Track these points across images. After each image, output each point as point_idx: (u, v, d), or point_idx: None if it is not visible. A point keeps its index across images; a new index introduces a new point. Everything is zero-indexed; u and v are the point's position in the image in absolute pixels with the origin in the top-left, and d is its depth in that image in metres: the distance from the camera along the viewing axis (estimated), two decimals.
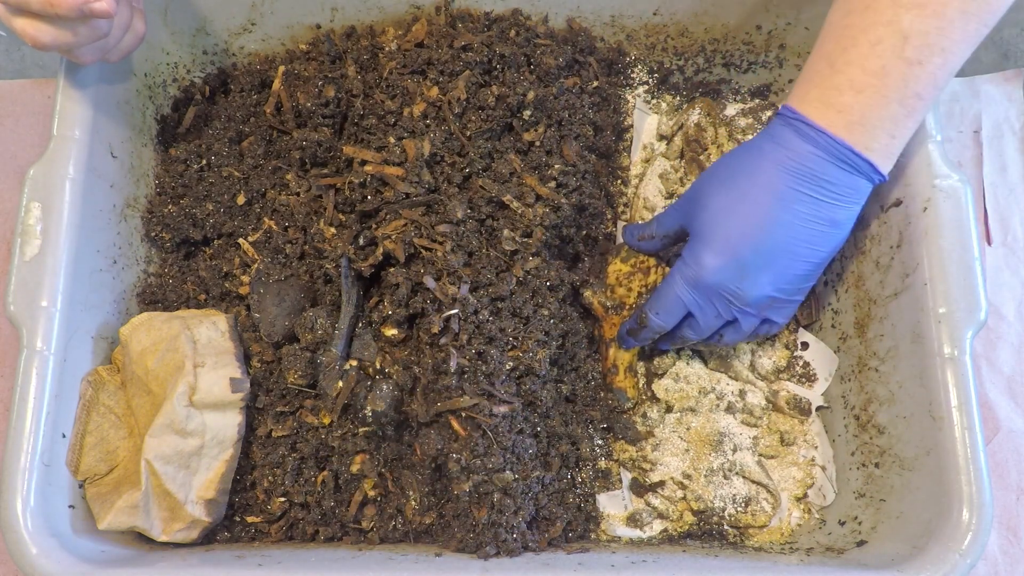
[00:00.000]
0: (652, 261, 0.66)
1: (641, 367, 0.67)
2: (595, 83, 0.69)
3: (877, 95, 0.53)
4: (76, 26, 0.48)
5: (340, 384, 0.58)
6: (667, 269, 0.67)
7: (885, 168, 0.55)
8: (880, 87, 0.52)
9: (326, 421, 0.60)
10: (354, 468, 0.60)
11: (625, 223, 0.70)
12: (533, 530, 0.58)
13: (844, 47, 0.53)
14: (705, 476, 0.64)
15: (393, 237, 0.59)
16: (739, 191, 0.56)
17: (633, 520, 0.64)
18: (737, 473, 0.65)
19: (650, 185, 0.71)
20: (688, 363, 0.67)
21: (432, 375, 0.57)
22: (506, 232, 0.59)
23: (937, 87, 0.53)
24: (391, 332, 0.60)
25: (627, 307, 0.65)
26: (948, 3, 0.51)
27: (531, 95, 0.61)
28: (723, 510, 0.64)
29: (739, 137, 0.73)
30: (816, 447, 0.66)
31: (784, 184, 0.55)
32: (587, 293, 0.65)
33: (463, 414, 0.56)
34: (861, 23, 0.53)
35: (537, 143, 0.62)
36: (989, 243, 0.74)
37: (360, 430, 0.59)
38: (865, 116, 0.53)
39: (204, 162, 0.68)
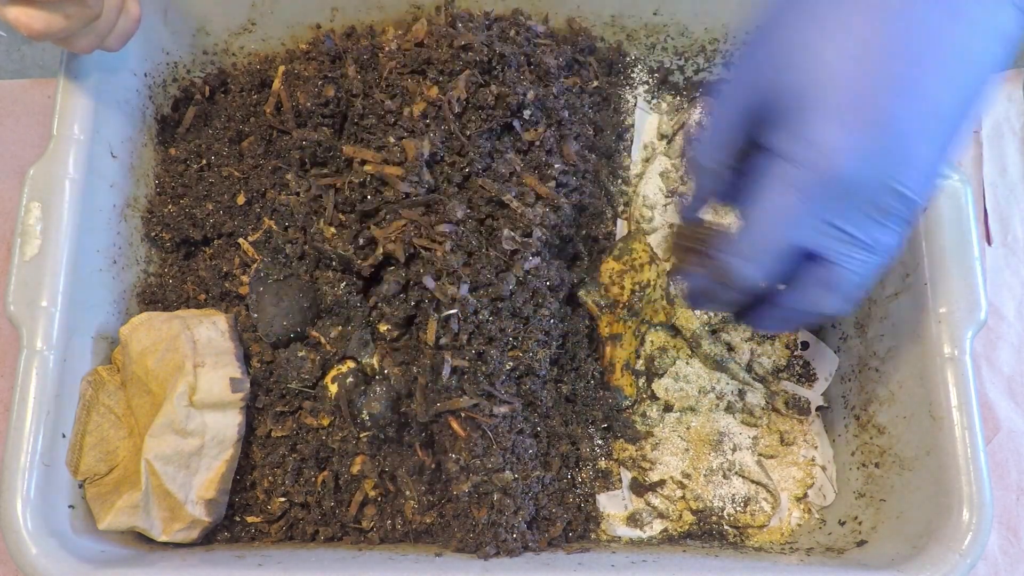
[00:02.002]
0: (645, 257, 0.66)
1: (641, 365, 0.67)
2: (595, 83, 0.69)
3: None
4: (67, 7, 0.49)
5: (335, 387, 0.58)
6: (661, 265, 0.67)
7: None
8: None
9: (325, 422, 0.60)
10: (354, 469, 0.60)
11: (625, 220, 0.70)
12: (533, 530, 0.58)
13: None
14: (704, 476, 0.64)
15: (393, 237, 0.59)
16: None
17: (633, 520, 0.64)
18: (736, 473, 0.65)
19: (650, 183, 0.71)
20: (688, 362, 0.67)
21: (431, 375, 0.57)
22: (506, 232, 0.59)
23: None
24: (390, 332, 0.60)
25: (620, 305, 0.65)
26: None
27: (531, 95, 0.61)
28: (722, 510, 0.64)
29: None
30: (816, 447, 0.66)
31: None
32: (581, 292, 0.65)
33: (463, 414, 0.56)
34: None
35: (537, 143, 0.62)
36: (989, 243, 0.74)
37: (362, 435, 0.59)
38: None
39: (204, 162, 0.68)
